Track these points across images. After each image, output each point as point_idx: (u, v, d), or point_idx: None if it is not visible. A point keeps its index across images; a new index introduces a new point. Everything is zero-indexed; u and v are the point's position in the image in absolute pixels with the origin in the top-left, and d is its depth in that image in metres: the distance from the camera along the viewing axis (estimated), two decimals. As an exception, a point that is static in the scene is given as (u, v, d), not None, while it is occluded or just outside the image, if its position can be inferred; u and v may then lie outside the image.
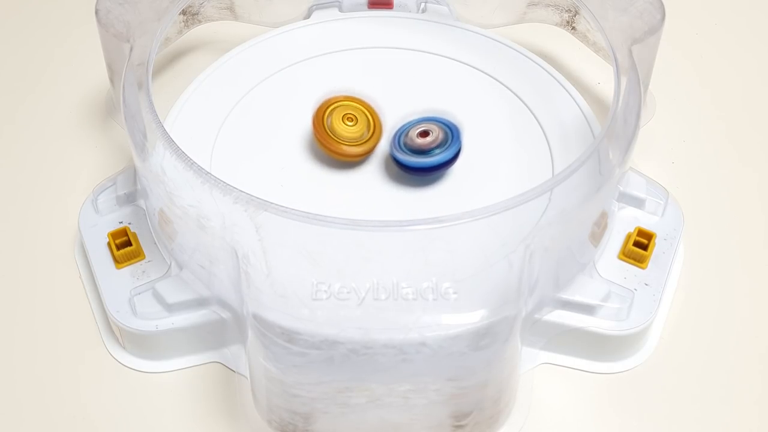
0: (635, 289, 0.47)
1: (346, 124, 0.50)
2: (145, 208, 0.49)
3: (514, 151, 0.51)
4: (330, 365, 0.39)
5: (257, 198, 0.41)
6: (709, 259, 0.51)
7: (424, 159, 0.48)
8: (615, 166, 0.45)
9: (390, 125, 0.50)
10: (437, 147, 0.49)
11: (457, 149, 0.49)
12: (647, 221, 0.49)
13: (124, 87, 0.47)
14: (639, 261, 0.48)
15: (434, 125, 0.49)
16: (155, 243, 0.48)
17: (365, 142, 0.50)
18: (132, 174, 0.50)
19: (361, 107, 0.50)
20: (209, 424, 0.45)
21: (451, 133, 0.49)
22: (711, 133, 0.57)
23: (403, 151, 0.49)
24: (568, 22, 0.57)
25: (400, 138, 0.49)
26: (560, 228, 0.43)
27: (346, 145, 0.49)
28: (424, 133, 0.49)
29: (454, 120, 0.49)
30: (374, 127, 0.50)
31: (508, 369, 0.42)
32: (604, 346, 0.46)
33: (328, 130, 0.49)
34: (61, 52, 0.62)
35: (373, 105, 0.51)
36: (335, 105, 0.50)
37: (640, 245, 0.48)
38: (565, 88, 0.54)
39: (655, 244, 0.48)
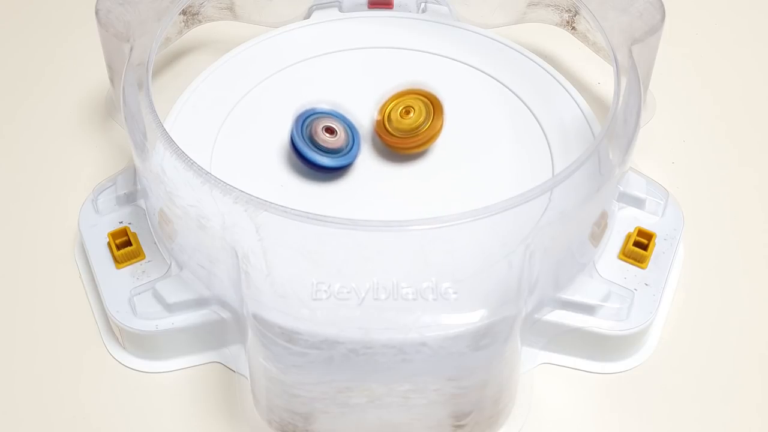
0: (635, 289, 0.47)
1: (405, 118, 0.50)
2: (145, 208, 0.49)
3: (514, 151, 0.51)
4: (330, 365, 0.39)
5: (257, 198, 0.41)
6: (709, 259, 0.51)
7: (339, 159, 0.49)
8: (615, 166, 0.45)
9: (417, 83, 0.51)
10: (340, 149, 0.49)
11: (358, 149, 0.49)
12: (647, 221, 0.49)
13: (124, 87, 0.47)
14: (639, 261, 0.48)
15: (335, 121, 0.49)
16: (155, 243, 0.48)
17: (428, 128, 0.50)
18: (132, 174, 0.50)
19: (417, 96, 0.51)
20: (209, 424, 0.45)
21: (352, 133, 0.50)
22: (711, 133, 0.57)
23: (317, 150, 0.49)
24: (568, 22, 0.57)
25: (304, 132, 0.49)
26: (560, 228, 0.43)
27: (411, 138, 0.49)
28: (331, 130, 0.49)
29: (351, 116, 0.50)
30: (432, 108, 0.50)
31: (507, 369, 0.42)
32: (604, 346, 0.46)
33: (390, 130, 0.50)
34: (61, 52, 0.62)
35: (428, 90, 0.51)
36: (391, 105, 0.50)
37: (640, 245, 0.48)
38: (565, 88, 0.54)
39: (655, 244, 0.48)
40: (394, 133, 0.50)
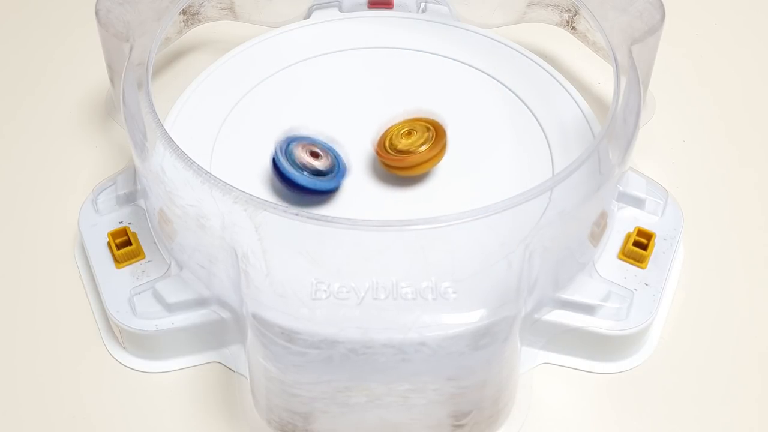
0: (635, 289, 0.47)
1: (408, 140, 0.49)
2: (145, 207, 0.49)
3: (514, 151, 0.51)
4: (329, 365, 0.39)
5: (257, 198, 0.41)
6: (709, 258, 0.51)
7: (323, 181, 0.48)
8: (615, 166, 0.45)
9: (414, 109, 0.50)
10: (326, 172, 0.48)
11: (342, 176, 0.48)
12: (647, 221, 0.49)
13: (124, 87, 0.47)
14: (639, 261, 0.48)
15: (320, 148, 0.48)
16: (155, 243, 0.48)
17: (433, 144, 0.49)
18: (132, 174, 0.50)
19: (418, 122, 0.50)
20: (209, 424, 0.45)
21: (337, 161, 0.48)
22: (711, 133, 0.57)
23: (298, 168, 0.47)
24: (568, 22, 0.57)
25: (287, 153, 0.48)
26: (560, 228, 0.43)
27: (419, 155, 0.48)
28: (315, 155, 0.48)
29: (338, 147, 0.49)
30: (434, 130, 0.49)
31: (507, 369, 0.42)
32: (604, 346, 0.46)
33: (391, 151, 0.49)
34: (61, 52, 0.62)
35: (433, 117, 0.50)
36: (390, 133, 0.49)
37: (639, 245, 0.48)
38: (565, 88, 0.54)
39: (654, 243, 0.48)
40: (390, 152, 0.49)
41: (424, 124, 0.49)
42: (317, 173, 0.48)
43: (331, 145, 0.49)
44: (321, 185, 0.48)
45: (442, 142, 0.49)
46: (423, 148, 0.48)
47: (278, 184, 0.48)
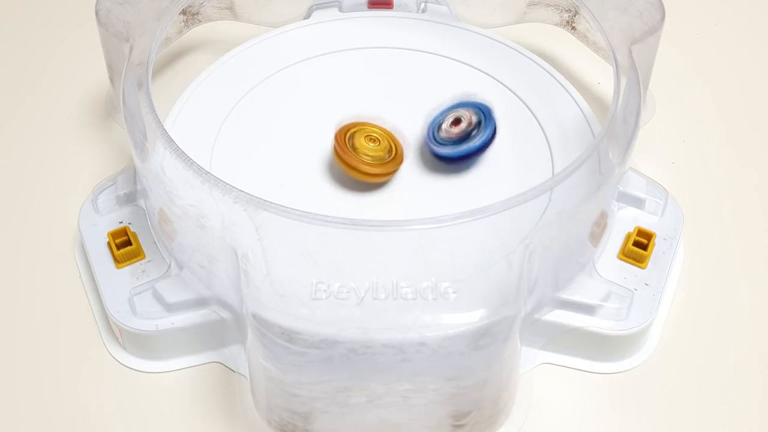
0: (635, 289, 0.47)
1: (369, 144, 0.49)
2: (145, 207, 0.49)
3: (514, 151, 0.51)
4: (329, 365, 0.39)
5: (257, 198, 0.41)
6: (709, 259, 0.51)
7: (465, 146, 0.49)
8: (615, 166, 0.45)
9: (391, 125, 0.50)
10: (474, 130, 0.49)
11: (493, 128, 0.49)
12: (647, 221, 0.49)
13: (124, 87, 0.47)
14: (639, 261, 0.48)
15: (464, 110, 0.49)
16: (155, 243, 0.48)
17: (386, 163, 0.49)
18: (132, 174, 0.50)
19: (383, 132, 0.50)
20: (209, 424, 0.45)
21: (483, 114, 0.49)
22: (711, 133, 0.57)
23: (441, 144, 0.49)
24: (568, 22, 0.57)
25: (435, 132, 0.49)
26: (560, 228, 0.43)
27: (366, 164, 0.48)
28: (457, 121, 0.49)
29: (482, 100, 0.50)
30: (395, 152, 0.49)
31: (507, 369, 0.42)
32: (604, 346, 0.46)
33: (349, 147, 0.49)
34: (61, 52, 0.62)
35: (395, 132, 0.50)
36: (358, 128, 0.49)
37: (639, 245, 0.48)
38: (565, 88, 0.54)
39: (654, 243, 0.48)
40: (347, 145, 0.49)
41: (386, 135, 0.49)
42: (469, 136, 0.49)
43: (460, 101, 0.50)
44: (481, 140, 0.49)
45: (400, 160, 0.49)
46: (387, 158, 0.49)
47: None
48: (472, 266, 0.41)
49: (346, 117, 0.50)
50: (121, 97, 0.47)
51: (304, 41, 0.57)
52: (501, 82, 0.55)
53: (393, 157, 0.49)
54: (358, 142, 0.49)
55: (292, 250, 0.41)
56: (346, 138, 0.49)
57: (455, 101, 0.50)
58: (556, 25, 0.58)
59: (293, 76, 0.55)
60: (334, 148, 0.49)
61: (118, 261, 0.47)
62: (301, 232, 0.41)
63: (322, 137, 0.51)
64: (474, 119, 0.49)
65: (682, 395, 0.46)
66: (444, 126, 0.49)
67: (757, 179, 0.55)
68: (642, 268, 0.48)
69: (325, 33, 0.58)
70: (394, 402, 0.41)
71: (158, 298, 0.45)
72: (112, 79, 0.53)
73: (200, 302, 0.45)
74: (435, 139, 0.49)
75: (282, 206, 0.41)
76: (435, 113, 0.50)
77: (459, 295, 0.40)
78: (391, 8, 0.59)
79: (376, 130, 0.50)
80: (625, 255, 0.48)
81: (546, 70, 0.55)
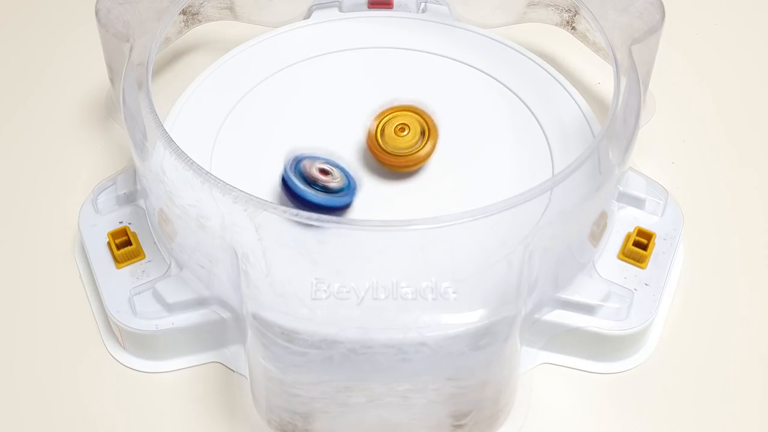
0: (635, 289, 0.47)
1: (399, 135, 0.49)
2: (145, 207, 0.49)
3: (514, 151, 0.51)
4: (329, 365, 0.39)
5: (257, 198, 0.41)
6: (709, 259, 0.51)
7: (325, 196, 0.46)
8: (615, 166, 0.45)
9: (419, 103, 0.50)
10: (338, 190, 0.47)
11: (350, 200, 0.47)
12: (647, 221, 0.49)
13: (124, 87, 0.47)
14: (639, 261, 0.48)
15: (335, 169, 0.47)
16: (155, 243, 0.48)
17: (419, 150, 0.49)
18: (132, 174, 0.50)
19: (413, 114, 0.50)
20: (209, 424, 0.45)
21: (348, 182, 0.47)
22: (711, 133, 0.57)
23: (299, 177, 0.46)
24: (568, 22, 0.57)
25: (299, 164, 0.47)
26: (560, 228, 0.43)
27: (401, 156, 0.49)
28: (325, 172, 0.47)
29: (353, 173, 0.48)
30: (428, 130, 0.49)
31: (507, 369, 0.42)
32: (604, 346, 0.46)
33: (382, 145, 0.49)
34: (61, 52, 0.62)
35: (425, 109, 0.50)
36: (387, 117, 0.50)
37: (639, 245, 0.48)
38: (565, 88, 0.54)
39: (654, 244, 0.48)
40: (386, 149, 0.49)
41: (414, 116, 0.50)
42: (328, 191, 0.47)
43: (338, 162, 0.48)
44: (335, 202, 0.47)
45: (436, 138, 0.49)
46: (417, 147, 0.49)
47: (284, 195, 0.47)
48: (472, 266, 0.41)
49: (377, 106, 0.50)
50: (121, 97, 0.47)
51: (304, 41, 0.57)
52: (501, 82, 0.55)
53: (427, 139, 0.49)
54: (389, 134, 0.49)
55: (292, 250, 0.41)
56: (378, 134, 0.49)
57: (326, 156, 0.48)
58: (556, 25, 0.58)
59: (293, 76, 0.55)
60: (371, 150, 0.49)
61: (118, 261, 0.47)
62: (301, 232, 0.41)
63: (323, 137, 0.51)
64: (339, 178, 0.47)
65: (682, 395, 0.46)
66: (311, 170, 0.46)
67: (757, 179, 0.55)
68: (642, 268, 0.48)
69: (325, 33, 0.58)
70: (394, 402, 0.41)
71: (158, 298, 0.45)
72: (112, 79, 0.53)
73: (200, 302, 0.45)
74: (303, 180, 0.46)
75: (282, 206, 0.41)
76: (302, 153, 0.48)
77: (459, 295, 0.40)
78: (391, 8, 0.59)
79: (404, 115, 0.50)
80: (625, 255, 0.48)
81: (546, 70, 0.55)
